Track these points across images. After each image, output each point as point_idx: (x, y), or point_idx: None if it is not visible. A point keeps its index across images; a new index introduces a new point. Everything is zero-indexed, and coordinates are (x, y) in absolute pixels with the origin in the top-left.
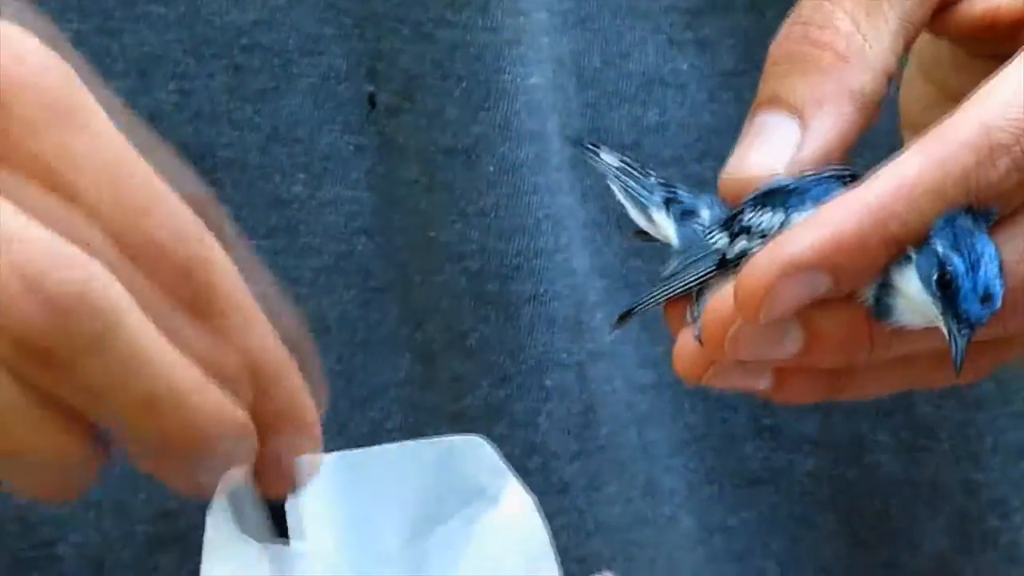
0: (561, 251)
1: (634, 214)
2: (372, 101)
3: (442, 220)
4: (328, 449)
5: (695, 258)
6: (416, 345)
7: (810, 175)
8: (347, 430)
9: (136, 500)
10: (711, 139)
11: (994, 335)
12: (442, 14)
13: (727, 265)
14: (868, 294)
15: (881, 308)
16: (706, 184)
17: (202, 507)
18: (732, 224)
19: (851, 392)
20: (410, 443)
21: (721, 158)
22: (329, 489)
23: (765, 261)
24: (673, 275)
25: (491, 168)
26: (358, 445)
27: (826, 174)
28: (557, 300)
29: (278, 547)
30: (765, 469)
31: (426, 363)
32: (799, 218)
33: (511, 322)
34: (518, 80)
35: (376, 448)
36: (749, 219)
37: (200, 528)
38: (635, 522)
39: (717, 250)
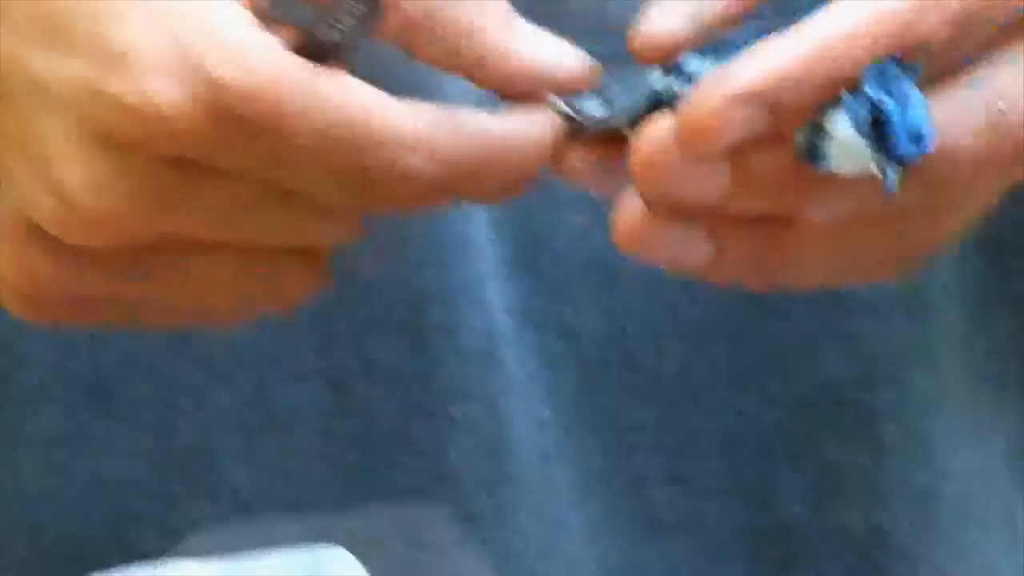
0: (473, 284)
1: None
2: None
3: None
4: (238, 471)
5: (629, 93)
6: (328, 372)
7: (741, 31)
8: (259, 455)
9: (48, 523)
10: None
11: (932, 198)
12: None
13: (660, 106)
14: (799, 137)
15: (812, 152)
16: None
17: (115, 532)
18: (667, 64)
19: (793, 270)
20: (276, 554)
21: None
22: None
23: (712, 91)
24: (609, 109)
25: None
26: (272, 472)
27: (759, 31)
28: (467, 331)
29: None
30: (673, 515)
31: (337, 390)
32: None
33: (421, 351)
34: None
35: (248, 555)
36: (682, 61)
37: (111, 552)
38: (541, 557)
39: (650, 86)
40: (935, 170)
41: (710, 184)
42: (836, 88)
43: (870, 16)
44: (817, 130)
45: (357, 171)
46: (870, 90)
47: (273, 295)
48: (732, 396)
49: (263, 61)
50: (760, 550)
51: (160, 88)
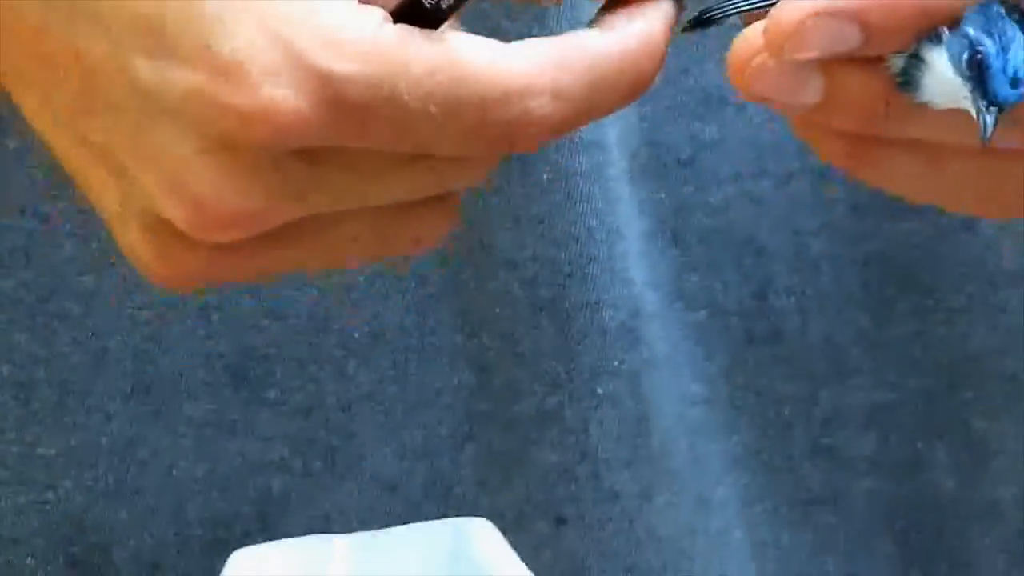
0: (617, 260)
1: None
2: None
3: (496, 227)
4: (382, 466)
5: None
6: (470, 352)
7: None
8: (401, 436)
9: (192, 505)
10: (769, 157)
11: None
12: (498, 22)
13: None
14: (897, 64)
15: (907, 80)
16: (763, 203)
17: (259, 513)
18: None
19: (870, 167)
20: (422, 524)
21: (779, 176)
22: (349, 569)
23: (799, 1)
24: None
25: (545, 176)
26: (419, 453)
27: None
28: (611, 309)
29: None
30: (822, 489)
31: (479, 370)
32: None
33: (564, 329)
34: None
35: (392, 529)
36: None
37: (255, 534)
38: (685, 533)
39: None
40: None
41: (801, 93)
42: (935, 20)
43: None
44: (915, 59)
45: (484, 127)
46: (970, 29)
47: (411, 242)
48: (877, 367)
49: (372, 45)
50: (909, 523)
51: (278, 93)
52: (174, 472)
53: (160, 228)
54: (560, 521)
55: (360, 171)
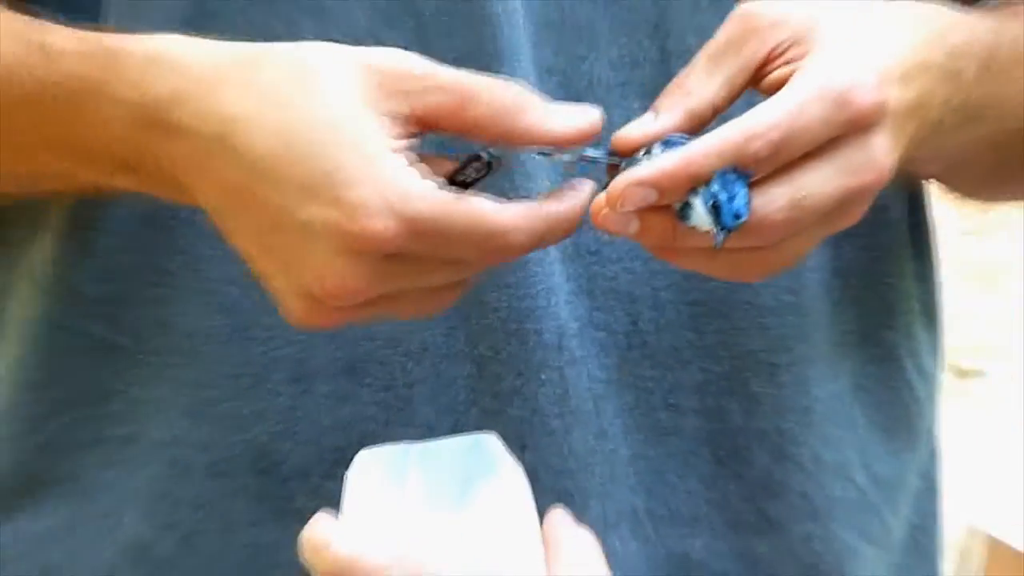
0: (551, 307)
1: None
2: None
3: (486, 290)
4: (427, 417)
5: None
6: (473, 357)
7: (681, 137)
8: (437, 402)
9: (324, 440)
10: (640, 248)
11: (755, 244)
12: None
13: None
14: (677, 206)
15: (683, 214)
16: (636, 273)
17: (360, 444)
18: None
19: (675, 259)
20: (452, 438)
21: (645, 259)
22: (410, 466)
23: (623, 177)
24: (605, 151)
25: (512, 264)
26: (447, 411)
27: (684, 139)
28: (548, 333)
29: (398, 494)
30: (671, 426)
31: (478, 367)
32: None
33: (523, 345)
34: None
35: (438, 440)
36: (654, 146)
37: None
38: (590, 452)
39: (635, 157)
40: (755, 230)
41: (627, 228)
42: (698, 182)
43: (714, 145)
44: (687, 204)
45: (487, 248)
46: (714, 186)
47: (441, 305)
48: (700, 361)
49: (435, 198)
50: (718, 444)
51: (381, 224)
52: (315, 422)
53: (308, 297)
54: (523, 447)
55: (420, 267)
